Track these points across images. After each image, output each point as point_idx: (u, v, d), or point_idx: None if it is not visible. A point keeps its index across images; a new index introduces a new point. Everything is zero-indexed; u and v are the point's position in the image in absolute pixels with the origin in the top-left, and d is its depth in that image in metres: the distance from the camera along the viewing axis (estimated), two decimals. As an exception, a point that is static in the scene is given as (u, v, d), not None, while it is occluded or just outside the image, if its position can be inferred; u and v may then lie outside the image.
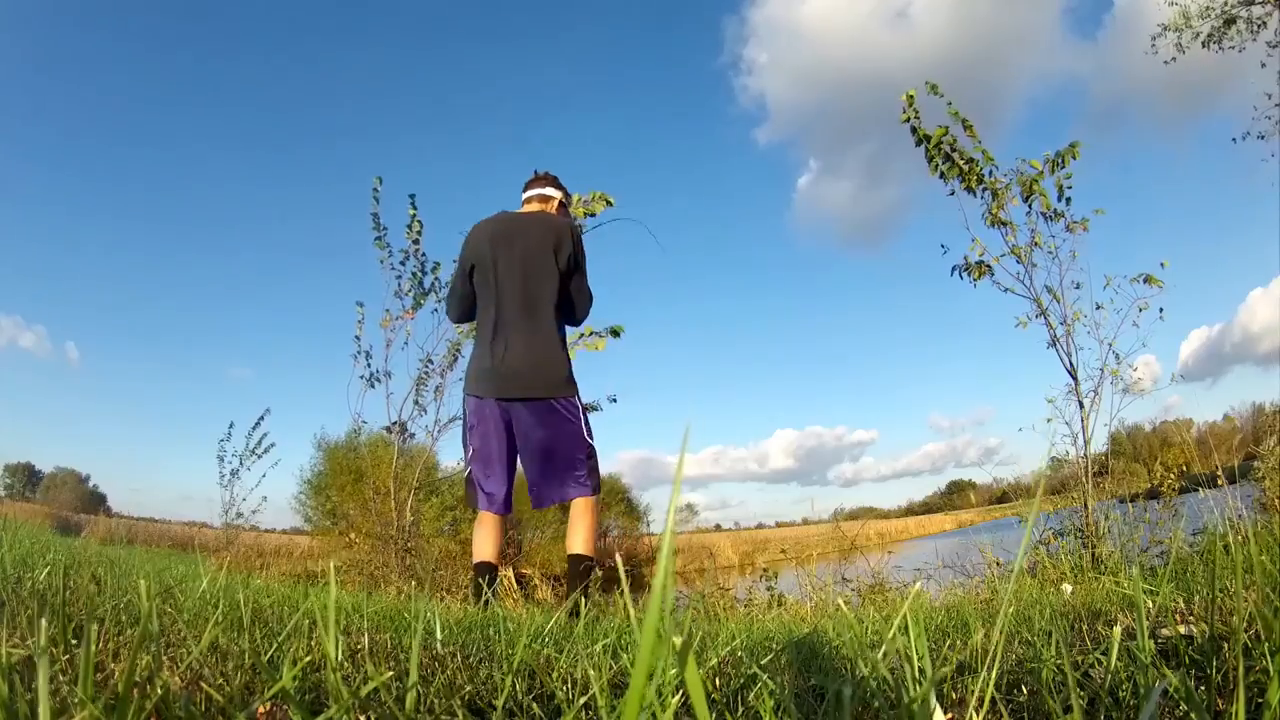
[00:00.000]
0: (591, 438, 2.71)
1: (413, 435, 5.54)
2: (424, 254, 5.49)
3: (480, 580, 2.56)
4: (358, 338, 5.57)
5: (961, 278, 4.28)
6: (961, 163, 4.17)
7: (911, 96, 4.20)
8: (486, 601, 2.19)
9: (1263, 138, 9.27)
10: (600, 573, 2.70)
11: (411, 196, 5.57)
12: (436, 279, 5.48)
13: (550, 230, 2.71)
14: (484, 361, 2.67)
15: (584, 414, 2.72)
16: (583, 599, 2.21)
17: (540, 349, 2.64)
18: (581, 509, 2.68)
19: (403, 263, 5.46)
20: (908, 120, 4.24)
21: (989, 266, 4.19)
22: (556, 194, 2.95)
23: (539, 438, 2.65)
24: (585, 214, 4.93)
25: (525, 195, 2.98)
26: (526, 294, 2.66)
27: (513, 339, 2.65)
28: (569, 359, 2.73)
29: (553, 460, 2.68)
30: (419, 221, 5.49)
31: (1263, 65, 9.20)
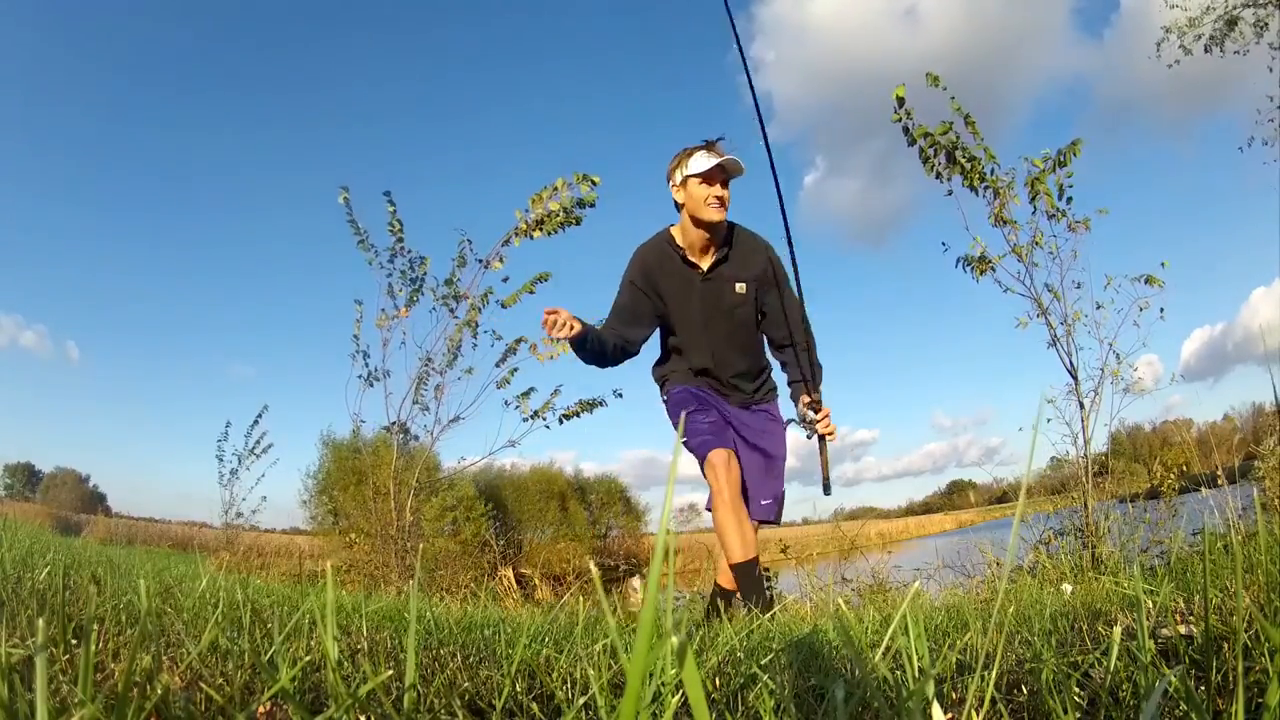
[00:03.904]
0: (682, 434, 2.54)
1: (416, 437, 5.52)
2: (410, 250, 5.35)
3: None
4: (356, 336, 5.49)
5: (965, 270, 4.26)
6: (964, 160, 4.13)
7: (902, 97, 4.02)
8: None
9: (1267, 143, 9.27)
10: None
11: (387, 194, 5.43)
12: (423, 274, 5.33)
13: None
14: None
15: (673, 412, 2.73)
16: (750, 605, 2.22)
17: None
18: None
19: (391, 260, 5.34)
20: (899, 121, 4.12)
21: (990, 264, 4.17)
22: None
23: None
24: (574, 203, 4.95)
25: None
26: None
27: None
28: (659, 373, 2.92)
29: None
30: (399, 220, 5.34)
31: (1270, 69, 9.16)
